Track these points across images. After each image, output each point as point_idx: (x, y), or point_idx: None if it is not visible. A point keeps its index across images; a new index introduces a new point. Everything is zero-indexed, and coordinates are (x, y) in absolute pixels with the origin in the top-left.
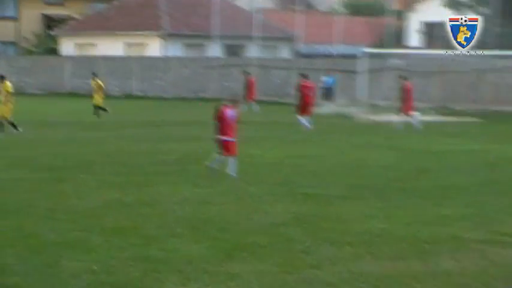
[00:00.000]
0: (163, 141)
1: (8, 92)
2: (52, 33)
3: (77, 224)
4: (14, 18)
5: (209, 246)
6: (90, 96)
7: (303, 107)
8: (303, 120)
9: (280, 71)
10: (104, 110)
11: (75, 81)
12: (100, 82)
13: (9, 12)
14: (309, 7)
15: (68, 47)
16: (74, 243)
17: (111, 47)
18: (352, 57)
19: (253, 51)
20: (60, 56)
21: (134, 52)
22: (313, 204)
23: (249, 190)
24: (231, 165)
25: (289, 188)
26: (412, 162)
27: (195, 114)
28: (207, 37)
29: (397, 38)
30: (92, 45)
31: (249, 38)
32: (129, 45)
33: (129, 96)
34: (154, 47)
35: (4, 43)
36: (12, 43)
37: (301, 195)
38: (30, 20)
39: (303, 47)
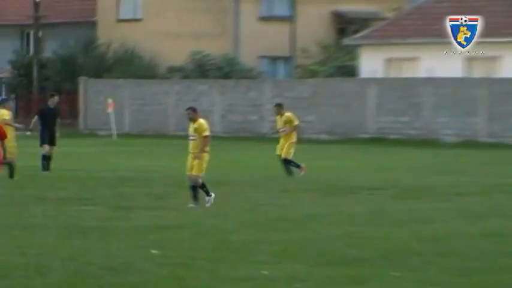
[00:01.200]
0: None
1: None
2: (347, 42)
3: None
4: (288, 19)
5: None
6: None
7: None
8: None
9: None
10: (296, 165)
11: (383, 119)
12: (291, 117)
13: (281, 10)
14: None
15: (372, 63)
16: None
17: (443, 62)
18: None
19: None
20: (360, 78)
21: (481, 71)
22: None
23: None
24: None
25: None
26: None
27: None
28: None
29: None
30: (412, 60)
31: None
32: (473, 60)
33: (469, 143)
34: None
35: (273, 59)
36: (284, 58)
37: None
38: (312, 22)
39: None
